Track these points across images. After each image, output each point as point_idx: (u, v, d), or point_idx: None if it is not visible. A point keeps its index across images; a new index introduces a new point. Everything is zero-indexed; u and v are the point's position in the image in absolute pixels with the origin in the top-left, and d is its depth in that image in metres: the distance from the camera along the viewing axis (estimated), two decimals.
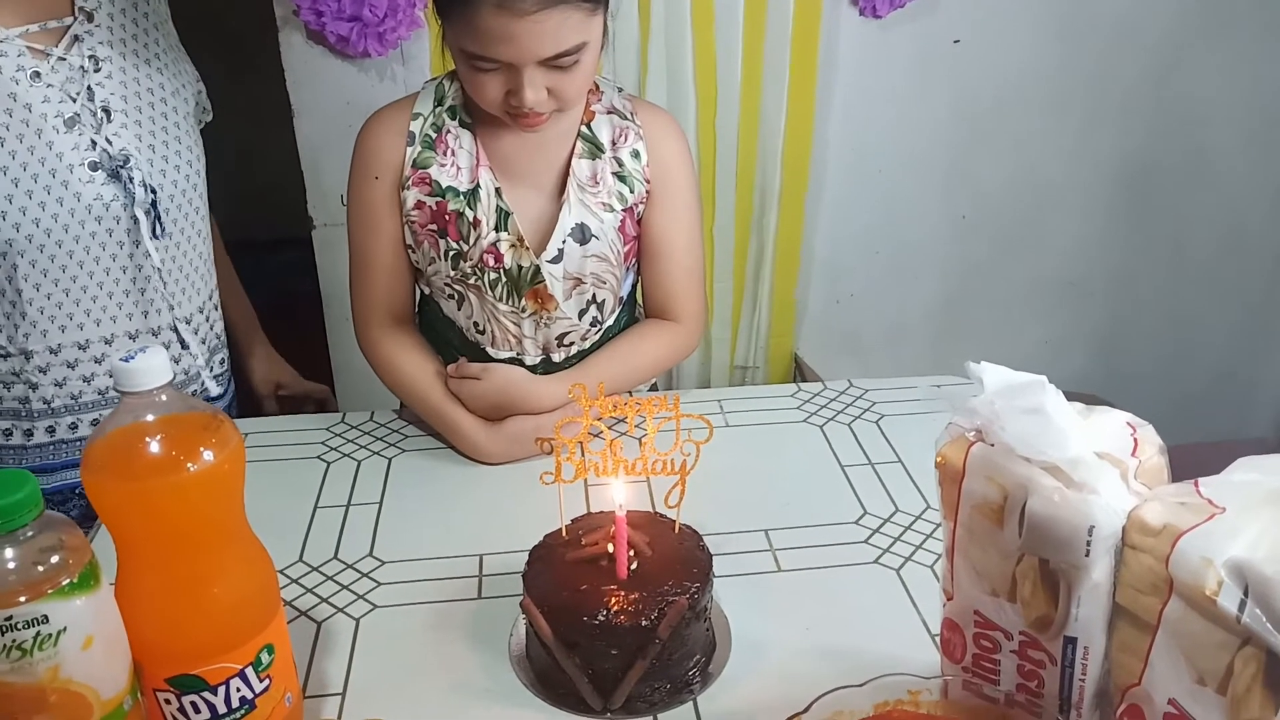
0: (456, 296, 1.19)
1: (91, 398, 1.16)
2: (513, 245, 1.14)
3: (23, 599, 0.61)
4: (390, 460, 1.18)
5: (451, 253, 1.15)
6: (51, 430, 1.16)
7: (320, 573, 0.99)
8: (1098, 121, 2.09)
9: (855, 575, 0.98)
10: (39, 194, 1.06)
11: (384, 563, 1.00)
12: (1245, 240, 2.27)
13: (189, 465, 0.66)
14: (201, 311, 1.24)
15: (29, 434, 1.15)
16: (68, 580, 0.62)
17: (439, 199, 1.13)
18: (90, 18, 1.11)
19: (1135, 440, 0.66)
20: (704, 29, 1.84)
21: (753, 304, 2.10)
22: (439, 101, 1.15)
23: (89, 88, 1.10)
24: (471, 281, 1.16)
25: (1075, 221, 2.18)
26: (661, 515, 0.91)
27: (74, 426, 1.16)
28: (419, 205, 1.14)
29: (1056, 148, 2.10)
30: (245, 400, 1.43)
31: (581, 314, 1.20)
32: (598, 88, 1.17)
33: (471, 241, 1.14)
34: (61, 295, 1.11)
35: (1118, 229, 2.21)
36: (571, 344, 1.22)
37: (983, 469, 0.66)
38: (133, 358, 0.65)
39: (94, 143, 1.09)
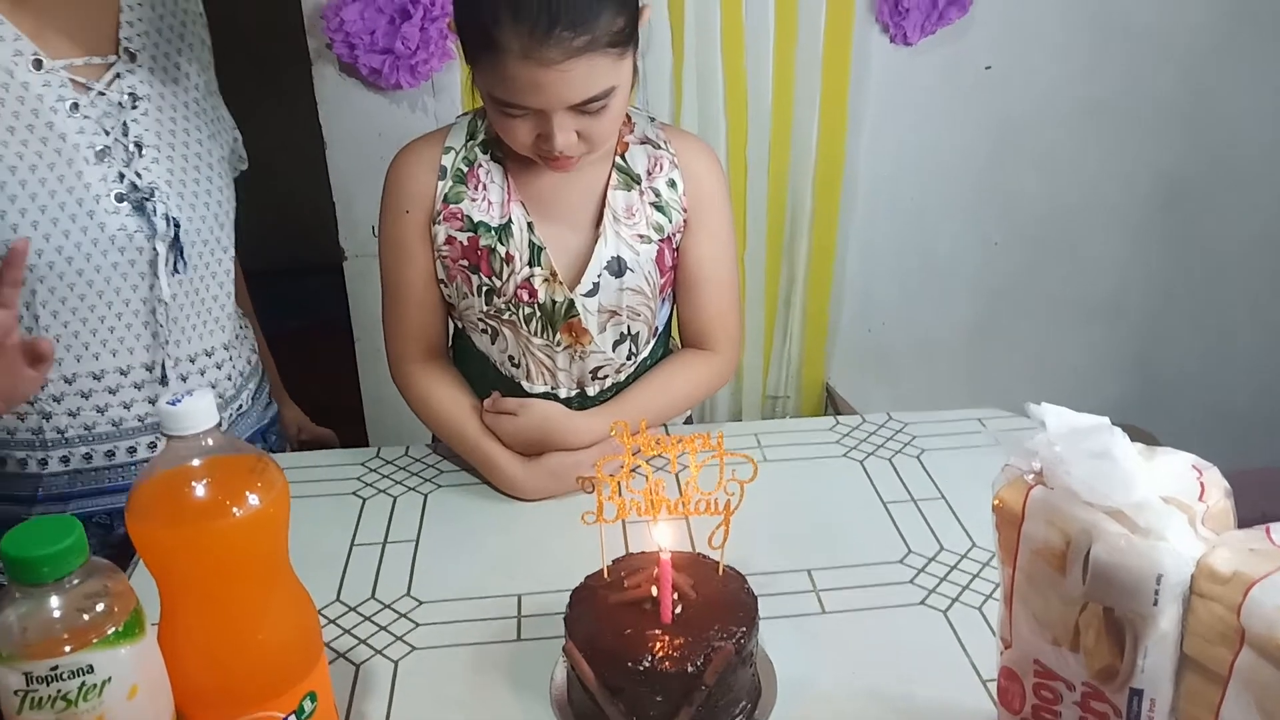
0: (490, 331, 1.18)
1: (105, 429, 1.15)
2: (546, 280, 1.13)
3: (68, 648, 0.60)
4: (426, 496, 1.17)
5: (484, 288, 1.15)
6: (66, 460, 1.15)
7: (358, 613, 0.98)
8: (1128, 142, 2.07)
9: (901, 617, 0.96)
10: (64, 222, 1.07)
11: (422, 603, 0.99)
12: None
13: (235, 510, 0.65)
14: (224, 349, 1.23)
15: (43, 463, 1.15)
16: (113, 629, 0.61)
17: (471, 234, 1.13)
18: (133, 57, 1.13)
19: (1201, 484, 0.64)
20: (734, 58, 1.84)
21: (784, 331, 2.09)
22: (471, 136, 1.15)
23: (124, 123, 1.11)
24: (505, 316, 1.16)
25: (1108, 243, 2.16)
26: (704, 556, 0.90)
27: (88, 457, 1.15)
28: (450, 240, 1.14)
29: (1087, 169, 2.09)
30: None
31: (616, 346, 1.19)
32: (629, 118, 1.17)
33: (505, 277, 1.13)
34: (79, 324, 1.10)
35: (1151, 249, 2.18)
36: (606, 377, 1.21)
37: (1043, 513, 0.65)
38: (179, 401, 0.64)
39: (122, 175, 1.10)
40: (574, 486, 1.13)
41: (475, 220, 1.13)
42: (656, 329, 1.24)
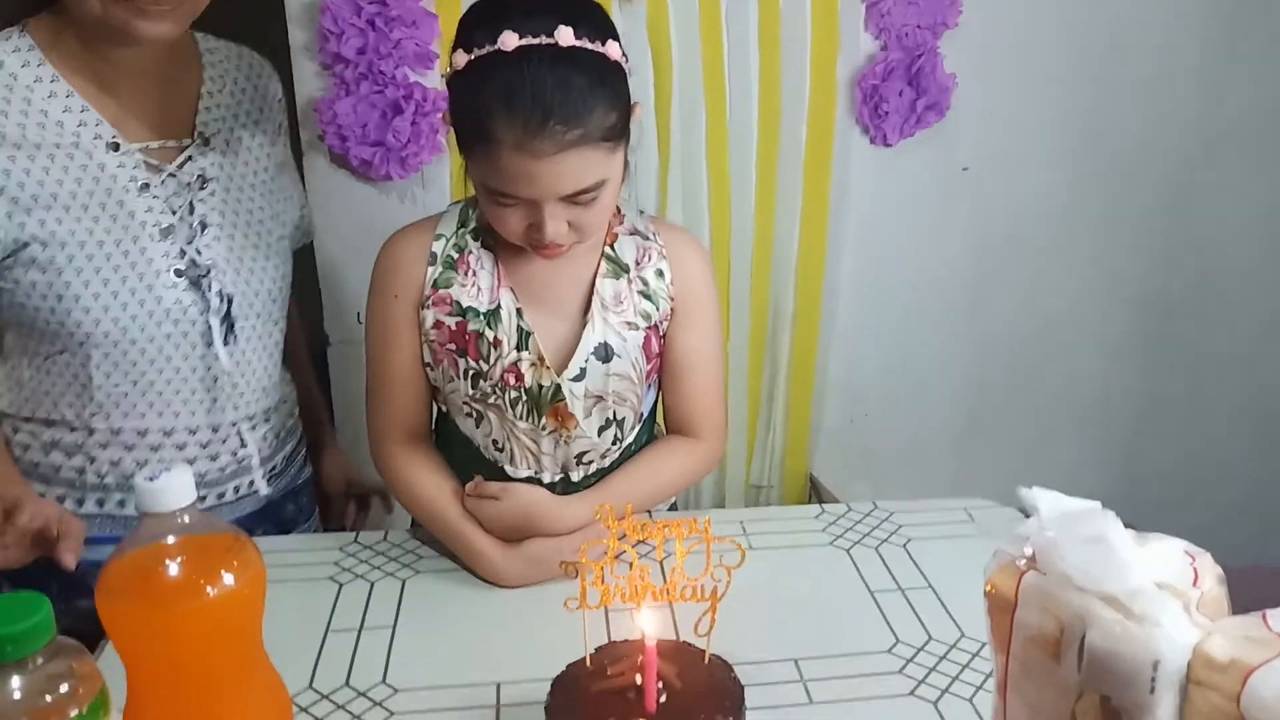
0: (475, 415, 1.18)
1: None
2: (533, 364, 1.13)
3: None
4: (404, 582, 1.14)
5: (471, 372, 1.14)
6: (101, 503, 1.20)
7: (331, 701, 0.94)
8: (1109, 245, 2.11)
9: (891, 708, 0.93)
10: (124, 295, 1.12)
11: (398, 690, 0.96)
12: (1262, 364, 2.26)
13: (209, 589, 0.63)
14: (265, 415, 1.28)
15: (80, 503, 1.19)
16: (76, 711, 0.59)
17: (459, 319, 1.13)
18: (207, 141, 1.19)
19: (1195, 570, 0.63)
20: (718, 157, 1.88)
21: (767, 423, 2.08)
22: (462, 224, 1.16)
23: (191, 202, 1.17)
24: (491, 400, 1.15)
25: (1091, 347, 2.18)
26: (689, 644, 0.88)
27: (122, 504, 1.20)
28: (438, 325, 1.14)
29: (1069, 272, 2.12)
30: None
31: (601, 431, 1.18)
32: (619, 210, 1.18)
33: (491, 361, 1.13)
34: (129, 385, 1.16)
35: (1134, 354, 2.21)
36: (591, 462, 1.20)
37: (1037, 599, 0.64)
38: (157, 477, 0.63)
39: (184, 252, 1.16)
40: (554, 574, 1.11)
41: (464, 305, 1.13)
42: (642, 415, 1.23)
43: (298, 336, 1.42)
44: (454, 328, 1.13)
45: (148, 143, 1.14)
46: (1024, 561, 0.66)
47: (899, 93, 1.88)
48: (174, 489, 0.63)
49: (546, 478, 1.19)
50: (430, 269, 1.14)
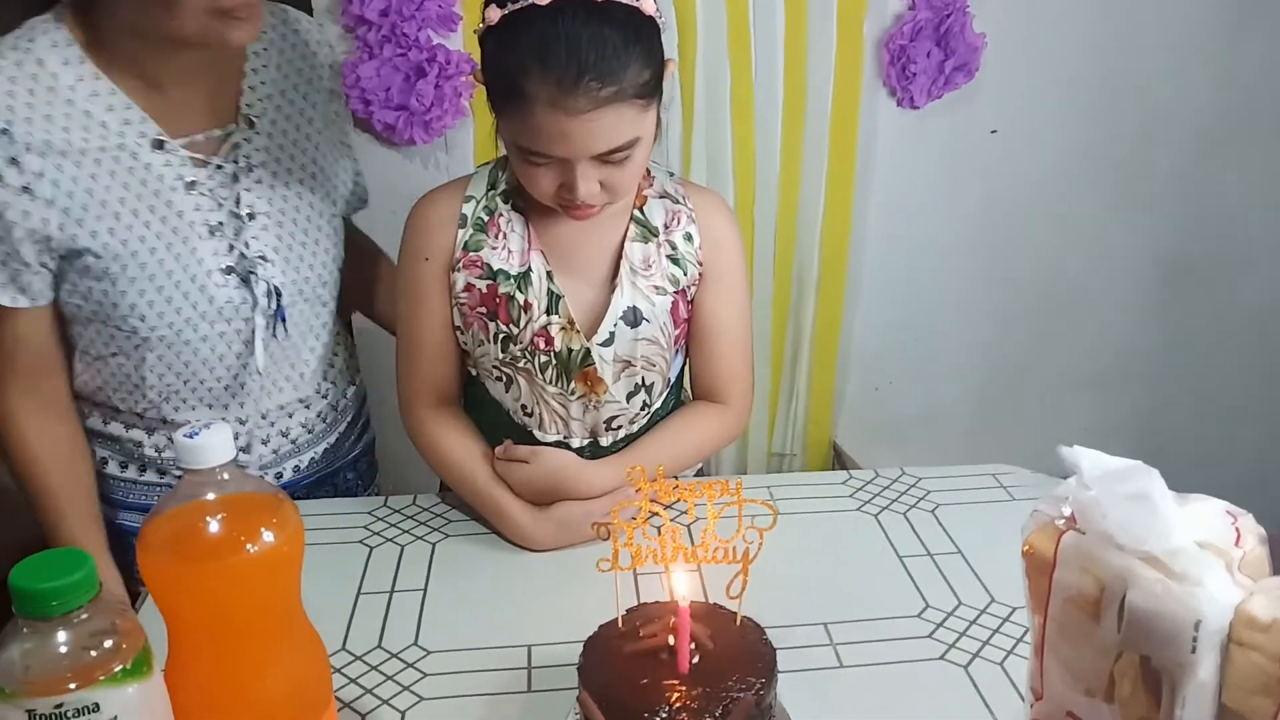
0: (504, 379, 1.18)
1: None
2: (563, 328, 1.13)
3: (73, 685, 0.58)
4: (434, 545, 1.15)
5: (501, 335, 1.14)
6: (161, 473, 1.23)
7: (364, 662, 0.95)
8: (1132, 210, 2.09)
9: (921, 672, 0.93)
10: (177, 299, 1.11)
11: (429, 652, 0.97)
12: None
13: (249, 546, 0.64)
14: (305, 403, 1.28)
15: (142, 470, 1.23)
16: (120, 666, 0.59)
17: (490, 281, 1.13)
18: (251, 124, 1.15)
19: (1236, 530, 0.62)
20: (743, 121, 1.86)
21: (790, 391, 2.08)
22: (492, 185, 1.15)
23: (238, 194, 1.14)
24: (521, 364, 1.15)
25: (1112, 310, 2.17)
26: (721, 606, 0.88)
27: (179, 477, 1.21)
28: (469, 288, 1.14)
29: (1091, 236, 2.10)
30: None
31: (630, 397, 1.18)
32: (649, 172, 1.17)
33: (522, 325, 1.13)
34: (180, 383, 1.17)
35: (1154, 317, 2.19)
36: (619, 427, 1.20)
37: (1076, 559, 0.63)
38: (196, 434, 0.63)
39: (232, 247, 1.14)
40: (584, 536, 1.11)
41: (495, 268, 1.13)
42: (670, 381, 1.23)
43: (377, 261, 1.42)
44: (484, 290, 1.13)
45: (192, 135, 1.11)
46: (1063, 521, 0.65)
47: (927, 53, 1.85)
48: (213, 445, 0.63)
49: (575, 442, 1.19)
50: (460, 231, 1.13)
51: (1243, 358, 2.25)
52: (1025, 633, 0.98)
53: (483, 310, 1.14)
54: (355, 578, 1.09)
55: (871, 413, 2.15)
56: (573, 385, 1.15)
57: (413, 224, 1.16)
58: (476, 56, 1.75)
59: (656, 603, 0.89)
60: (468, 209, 1.14)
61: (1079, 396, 2.23)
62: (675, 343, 1.19)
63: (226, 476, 0.64)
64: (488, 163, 1.19)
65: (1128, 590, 0.61)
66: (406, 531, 1.18)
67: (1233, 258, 2.16)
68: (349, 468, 1.37)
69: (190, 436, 0.63)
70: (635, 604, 0.90)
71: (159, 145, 1.08)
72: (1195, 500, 0.65)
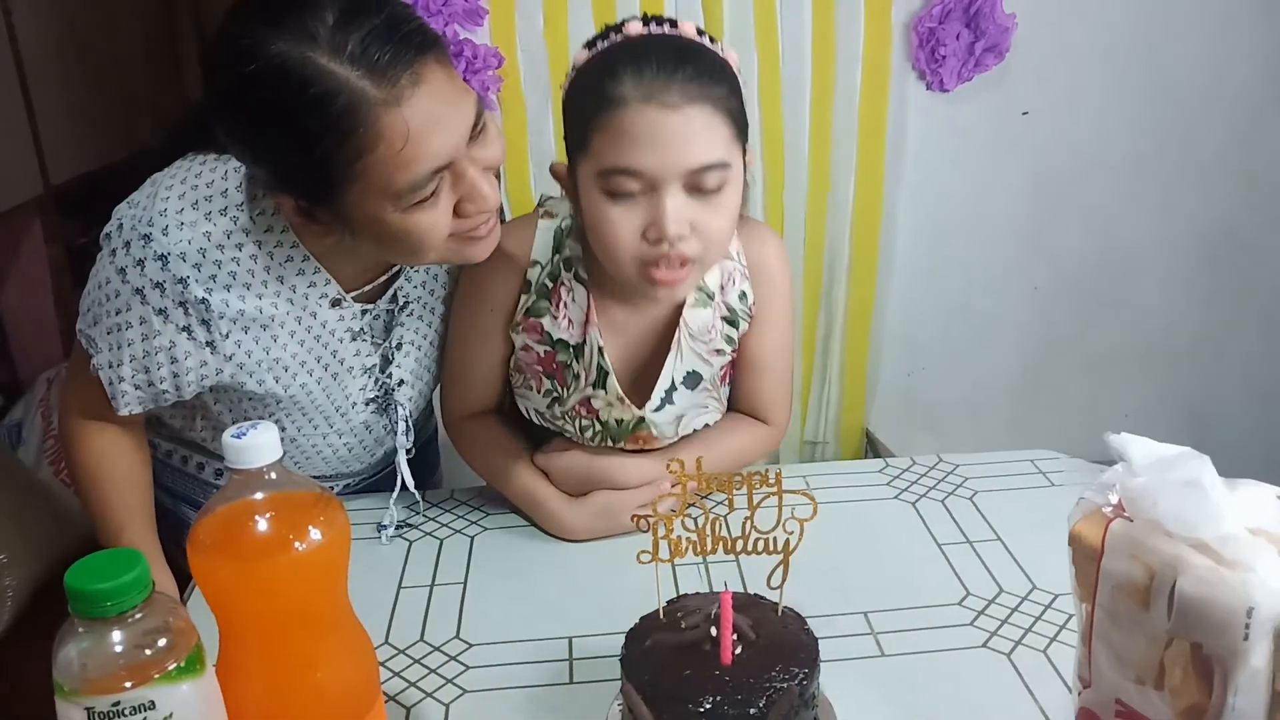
0: (550, 418, 1.18)
1: None
2: (609, 404, 1.13)
3: (129, 684, 0.59)
4: (472, 539, 1.16)
5: (551, 395, 1.15)
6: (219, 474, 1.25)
7: (407, 655, 0.96)
8: (1176, 187, 2.05)
9: (964, 660, 0.93)
10: (321, 425, 1.16)
11: (471, 645, 0.98)
12: None
13: (297, 544, 0.64)
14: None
15: (219, 475, 1.24)
16: (175, 664, 0.60)
17: (548, 349, 1.13)
18: (405, 307, 1.15)
19: None
20: (771, 106, 1.85)
21: (822, 378, 2.07)
22: (556, 249, 1.11)
23: (393, 329, 1.15)
24: (561, 424, 1.16)
25: (1156, 289, 2.13)
26: (761, 597, 0.88)
27: None
28: (527, 349, 1.14)
29: (1133, 215, 2.07)
30: None
31: (683, 437, 1.19)
32: None
33: (571, 390, 1.13)
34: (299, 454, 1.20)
35: (1200, 296, 2.15)
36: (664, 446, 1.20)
37: (1125, 547, 0.63)
38: (244, 434, 0.64)
39: (378, 380, 1.16)
40: (621, 526, 1.12)
41: (555, 337, 1.12)
42: (721, 409, 1.23)
43: None
44: (542, 355, 1.13)
45: (363, 287, 1.09)
46: (1110, 509, 0.65)
47: (956, 35, 1.83)
48: (261, 445, 0.64)
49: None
50: (524, 296, 1.12)
51: None
52: (1069, 620, 0.97)
53: (539, 369, 1.15)
54: (396, 572, 1.10)
55: (907, 399, 2.14)
56: (621, 444, 1.16)
57: (478, 274, 1.13)
58: (504, 50, 1.76)
59: (696, 594, 0.89)
60: (532, 274, 1.12)
61: (1124, 377, 2.19)
62: (722, 381, 1.20)
63: (274, 476, 0.65)
64: (546, 220, 1.13)
65: (1178, 577, 0.60)
66: (445, 525, 1.19)
67: None
68: (423, 450, 1.36)
69: (238, 437, 0.64)
70: (675, 595, 0.90)
71: (336, 303, 1.08)
72: (1245, 485, 0.64)
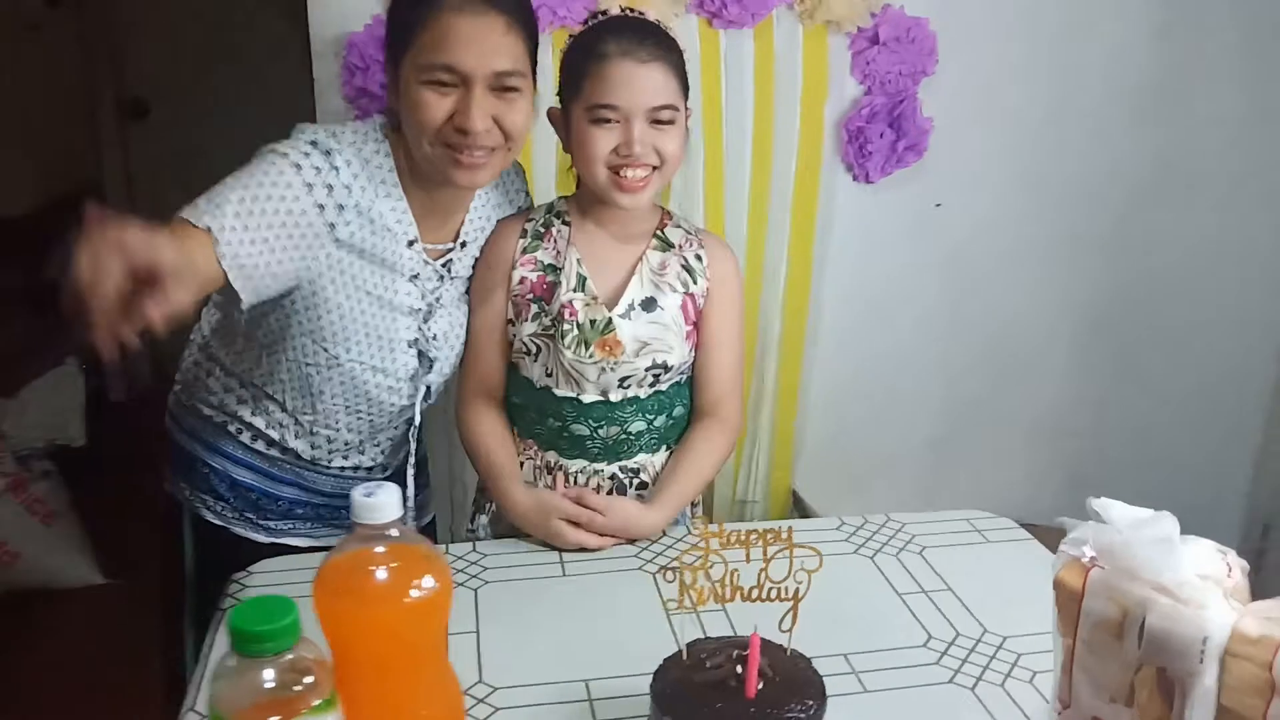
0: (534, 350, 1.39)
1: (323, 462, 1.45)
2: (587, 303, 1.36)
3: (278, 718, 0.67)
4: (476, 591, 1.23)
5: (539, 313, 1.38)
6: (284, 451, 1.42)
7: None
8: (1063, 272, 2.28)
9: (934, 695, 1.07)
10: (369, 356, 1.35)
11: (496, 688, 1.06)
12: (1223, 374, 2.43)
13: (412, 592, 0.73)
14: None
15: (269, 444, 1.42)
16: (318, 701, 0.68)
17: (540, 273, 1.39)
18: (464, 246, 1.40)
19: (1227, 564, 0.78)
20: (714, 192, 2.01)
21: (753, 440, 2.22)
22: (548, 211, 1.43)
23: (439, 289, 1.38)
24: (548, 332, 1.38)
25: (1048, 368, 2.36)
26: (769, 640, 0.99)
27: (298, 456, 1.43)
28: (523, 280, 1.39)
29: (1027, 296, 2.29)
30: None
31: (648, 369, 1.39)
32: (670, 214, 1.45)
33: (554, 299, 1.37)
34: (346, 416, 1.40)
35: (1091, 369, 2.38)
36: (629, 387, 1.39)
37: (1103, 590, 0.77)
38: (373, 494, 0.72)
39: (419, 327, 1.37)
40: (548, 528, 1.33)
41: (545, 262, 1.39)
42: (684, 373, 1.43)
43: None
44: (535, 280, 1.40)
45: (428, 245, 1.36)
46: (1088, 559, 0.80)
47: (881, 134, 2.04)
48: (385, 504, 0.73)
49: (587, 398, 1.39)
50: (520, 240, 1.41)
51: (1178, 399, 2.42)
52: (1019, 658, 1.12)
53: (531, 296, 1.38)
54: None
55: (831, 461, 2.30)
56: (591, 350, 1.36)
57: (486, 246, 1.42)
58: None
59: (716, 637, 1.00)
60: (528, 225, 1.42)
61: (1027, 443, 2.39)
62: (686, 338, 1.41)
63: (395, 533, 0.74)
64: (549, 203, 1.46)
65: (1147, 614, 0.75)
66: (460, 570, 1.27)
67: (1150, 307, 2.35)
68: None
69: (367, 495, 0.72)
70: (689, 640, 1.01)
71: (411, 243, 1.33)
72: (1191, 541, 0.80)
